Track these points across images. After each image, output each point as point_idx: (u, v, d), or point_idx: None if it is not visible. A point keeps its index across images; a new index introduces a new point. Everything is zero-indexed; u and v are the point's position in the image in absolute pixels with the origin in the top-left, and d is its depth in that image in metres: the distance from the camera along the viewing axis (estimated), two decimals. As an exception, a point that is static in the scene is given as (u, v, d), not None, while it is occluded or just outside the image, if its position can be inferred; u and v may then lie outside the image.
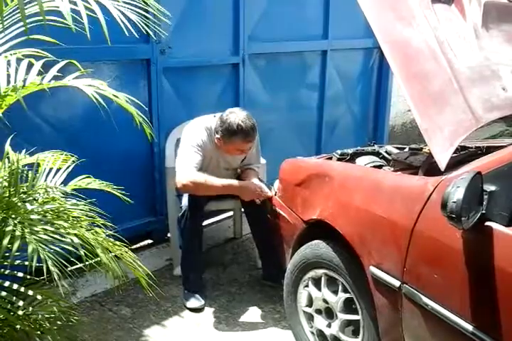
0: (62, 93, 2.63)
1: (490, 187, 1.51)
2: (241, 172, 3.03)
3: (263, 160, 3.16)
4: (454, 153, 1.88)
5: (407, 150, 2.48)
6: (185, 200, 2.76)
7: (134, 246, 3.25)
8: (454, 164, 1.89)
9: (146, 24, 1.86)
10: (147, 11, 1.94)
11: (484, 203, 1.49)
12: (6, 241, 1.48)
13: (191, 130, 2.81)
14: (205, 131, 2.77)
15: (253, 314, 2.77)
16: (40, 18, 1.64)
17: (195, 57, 3.40)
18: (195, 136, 2.75)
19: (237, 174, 3.06)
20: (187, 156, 2.68)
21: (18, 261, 1.90)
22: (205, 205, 2.85)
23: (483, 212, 1.49)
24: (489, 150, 2.26)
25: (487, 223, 1.49)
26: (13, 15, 1.73)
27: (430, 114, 1.86)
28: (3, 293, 1.67)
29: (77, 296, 2.81)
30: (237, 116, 2.65)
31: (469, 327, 1.49)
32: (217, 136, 2.71)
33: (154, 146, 3.27)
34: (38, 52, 1.74)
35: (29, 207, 1.71)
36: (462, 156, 2.22)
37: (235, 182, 2.74)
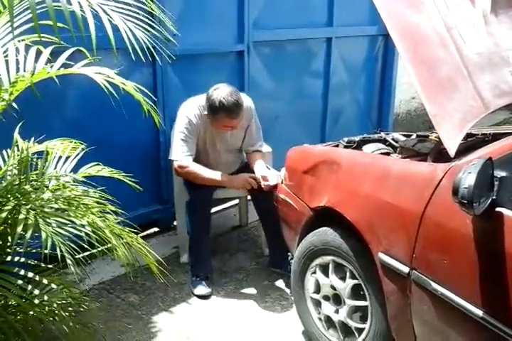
0: (68, 81, 2.61)
1: (500, 173, 1.51)
2: (247, 156, 3.03)
3: (269, 148, 3.15)
4: (461, 139, 1.87)
5: (414, 137, 2.47)
6: (193, 187, 2.78)
7: (141, 234, 3.26)
8: (462, 151, 1.89)
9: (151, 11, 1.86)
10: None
11: (495, 189, 1.50)
12: (19, 229, 1.49)
13: (184, 110, 2.83)
14: (198, 110, 2.80)
15: (260, 301, 2.79)
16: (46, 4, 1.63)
17: (200, 45, 3.38)
18: (185, 117, 2.78)
19: (242, 160, 3.07)
20: (178, 144, 2.76)
21: (29, 249, 1.91)
22: (214, 193, 2.86)
23: (494, 197, 1.49)
24: (496, 137, 2.26)
25: (497, 209, 1.49)
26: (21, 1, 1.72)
27: (439, 100, 1.86)
28: (18, 281, 1.68)
29: (86, 284, 2.82)
30: (219, 92, 2.65)
31: (479, 313, 1.49)
32: (205, 112, 2.75)
33: (160, 135, 3.27)
34: (45, 37, 1.73)
35: (42, 195, 1.71)
36: (470, 143, 2.22)
37: (222, 176, 2.76)
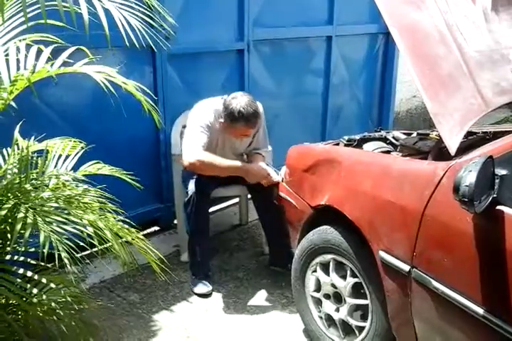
0: (68, 80, 2.61)
1: (501, 171, 1.51)
2: (247, 156, 3.03)
3: (269, 147, 3.15)
4: (462, 138, 1.87)
5: (414, 135, 2.47)
6: (191, 185, 2.77)
7: (142, 233, 3.25)
8: (462, 149, 1.89)
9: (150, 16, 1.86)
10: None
11: (496, 187, 1.50)
12: (18, 227, 1.49)
13: (199, 111, 2.82)
14: (213, 113, 2.78)
15: (261, 299, 2.79)
16: (47, 3, 1.63)
17: (199, 43, 3.38)
18: (202, 117, 2.77)
19: (245, 161, 3.07)
20: (194, 136, 2.72)
21: (28, 248, 1.91)
22: (212, 191, 2.86)
23: (495, 195, 1.49)
24: (496, 135, 2.26)
25: (498, 207, 1.49)
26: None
27: (440, 98, 1.86)
28: (17, 280, 1.68)
29: (86, 282, 2.83)
30: (238, 102, 2.65)
31: (480, 311, 1.50)
32: (221, 120, 2.74)
33: (160, 133, 3.27)
34: (46, 37, 1.73)
35: (42, 193, 1.71)
36: (470, 141, 2.22)
37: (240, 163, 2.75)
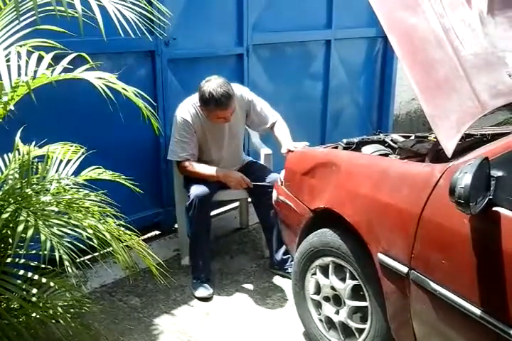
0: (69, 85, 2.62)
1: (497, 173, 1.52)
2: (273, 134, 3.07)
3: (269, 150, 3.17)
4: (460, 140, 1.88)
5: (413, 138, 2.48)
6: (193, 189, 2.79)
7: (142, 237, 3.27)
8: (460, 151, 1.90)
9: (149, 18, 1.88)
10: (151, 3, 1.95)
11: (492, 188, 1.51)
12: (19, 230, 1.50)
13: (179, 111, 2.89)
14: (193, 107, 2.86)
15: (261, 302, 2.80)
16: (46, 8, 1.66)
17: (199, 48, 3.40)
18: (181, 119, 2.85)
19: (243, 160, 3.10)
20: (175, 145, 2.86)
21: (29, 250, 1.92)
22: (214, 195, 2.88)
23: (491, 197, 1.50)
24: (494, 137, 2.27)
25: (494, 208, 1.50)
26: (21, 5, 1.73)
27: (436, 101, 1.87)
28: (18, 281, 1.70)
29: (87, 287, 2.84)
30: (210, 84, 2.71)
31: (478, 312, 1.50)
32: (199, 104, 2.81)
33: (160, 137, 3.28)
34: (46, 42, 1.75)
35: (43, 198, 1.73)
36: (468, 143, 2.23)
37: (218, 171, 2.85)
